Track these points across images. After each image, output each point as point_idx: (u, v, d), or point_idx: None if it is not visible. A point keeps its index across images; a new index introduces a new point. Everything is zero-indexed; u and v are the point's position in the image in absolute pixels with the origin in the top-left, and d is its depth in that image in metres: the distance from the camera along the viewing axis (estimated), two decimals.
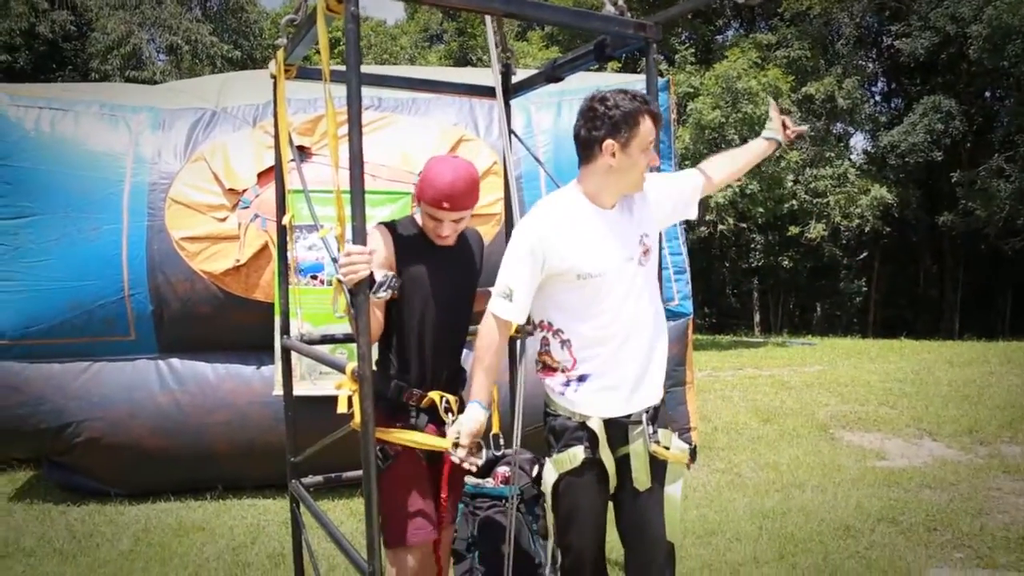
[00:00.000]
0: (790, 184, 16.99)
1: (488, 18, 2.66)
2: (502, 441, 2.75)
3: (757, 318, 26.21)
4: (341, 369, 2.07)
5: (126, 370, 4.74)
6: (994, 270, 24.37)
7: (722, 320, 26.65)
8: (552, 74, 2.86)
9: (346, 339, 2.81)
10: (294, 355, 3.91)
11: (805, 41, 19.59)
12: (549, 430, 2.17)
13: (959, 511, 4.24)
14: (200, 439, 4.69)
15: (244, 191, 4.65)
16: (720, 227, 16.43)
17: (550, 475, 2.12)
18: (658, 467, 2.11)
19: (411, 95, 5.01)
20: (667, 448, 2.10)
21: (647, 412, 2.10)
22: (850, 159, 21.93)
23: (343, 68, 1.86)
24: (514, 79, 3.09)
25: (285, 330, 3.05)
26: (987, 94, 22.90)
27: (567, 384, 2.09)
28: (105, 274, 4.66)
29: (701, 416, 6.27)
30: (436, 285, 2.29)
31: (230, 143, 4.80)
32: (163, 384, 4.73)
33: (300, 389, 3.78)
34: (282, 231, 2.88)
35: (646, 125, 2.01)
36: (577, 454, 2.08)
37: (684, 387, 5.18)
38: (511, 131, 2.94)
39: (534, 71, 3.20)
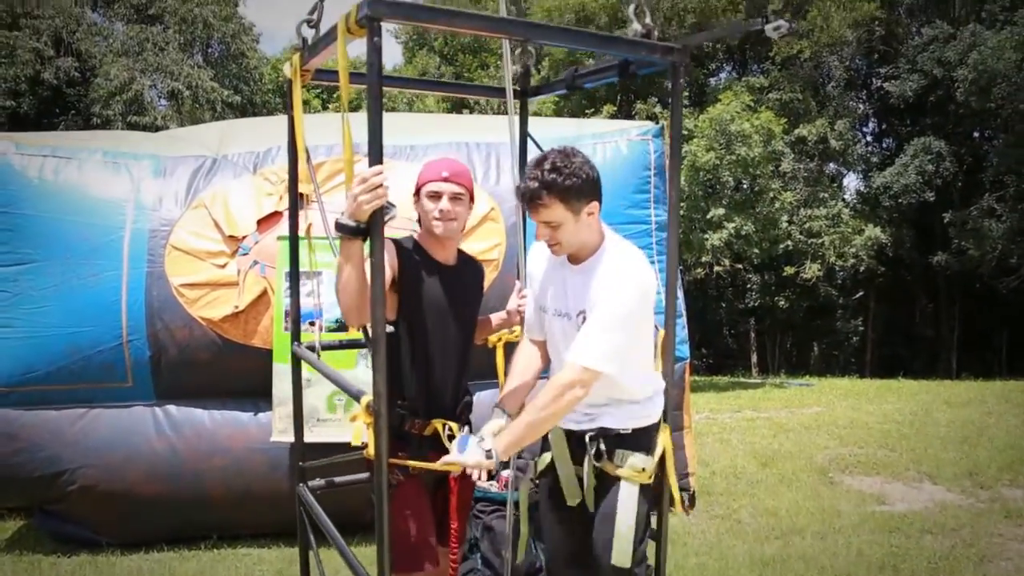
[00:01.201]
0: (785, 225, 17.15)
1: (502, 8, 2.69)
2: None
3: (754, 358, 26.18)
4: (354, 396, 2.07)
5: (122, 416, 4.72)
6: (989, 309, 24.45)
7: (719, 361, 26.59)
8: (573, 83, 2.89)
9: (356, 344, 2.79)
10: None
11: (796, 84, 19.97)
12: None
13: (961, 558, 4.21)
14: (196, 485, 4.64)
15: (244, 237, 4.69)
16: (716, 268, 16.52)
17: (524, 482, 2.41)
18: (610, 486, 2.20)
19: (409, 142, 5.09)
20: (619, 467, 2.19)
21: (597, 431, 2.22)
22: (844, 199, 22.17)
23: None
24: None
25: (296, 336, 3.00)
26: (976, 134, 23.28)
27: None
28: (104, 320, 4.67)
29: (699, 460, 6.24)
30: (439, 303, 2.31)
31: (231, 190, 4.86)
32: (159, 430, 4.70)
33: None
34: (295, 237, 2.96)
35: None
36: (545, 458, 2.34)
37: (682, 431, 5.16)
38: (527, 134, 3.07)
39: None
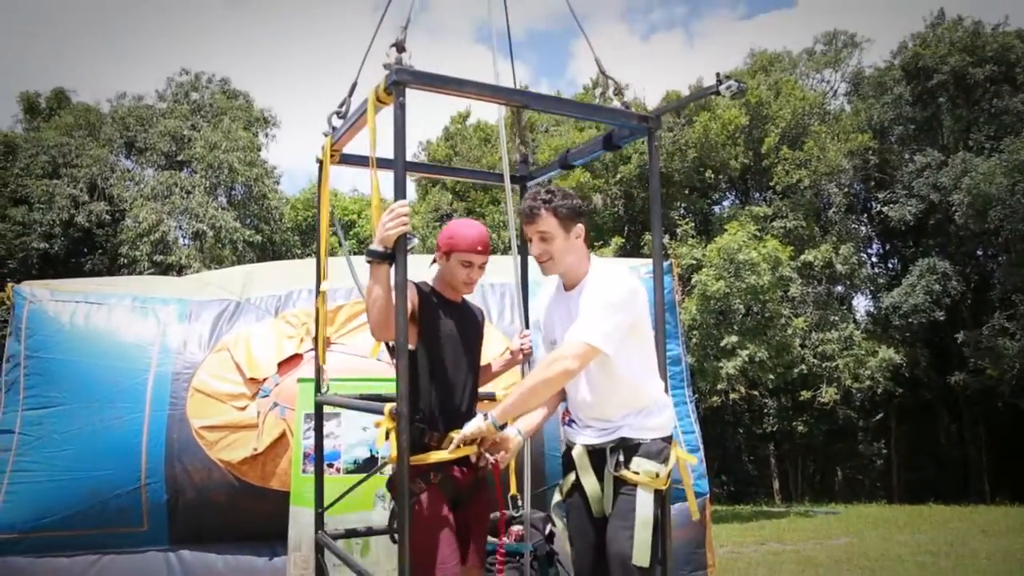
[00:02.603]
0: (798, 349, 17.17)
1: (500, 110, 3.04)
2: (520, 502, 2.98)
3: (776, 485, 25.37)
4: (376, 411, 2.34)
5: (136, 562, 4.66)
6: (1017, 429, 23.83)
7: (740, 488, 25.77)
8: (566, 162, 3.29)
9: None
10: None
11: (799, 211, 20.58)
12: (561, 460, 2.69)
13: None
14: None
15: (264, 380, 4.81)
16: (732, 395, 16.41)
17: (556, 498, 2.64)
18: (627, 492, 2.43)
19: (424, 280, 5.30)
20: (636, 473, 2.43)
21: (617, 442, 2.48)
22: (854, 321, 22.25)
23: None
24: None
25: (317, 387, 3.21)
26: (979, 253, 23.60)
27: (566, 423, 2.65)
28: (123, 463, 4.71)
29: None
30: (452, 332, 2.62)
31: (252, 333, 5.03)
32: None
33: None
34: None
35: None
36: (569, 478, 2.60)
37: (706, 571, 5.01)
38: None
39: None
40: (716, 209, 22.94)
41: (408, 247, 2.34)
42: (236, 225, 20.06)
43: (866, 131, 21.92)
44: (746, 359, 14.62)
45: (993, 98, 21.03)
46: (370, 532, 3.18)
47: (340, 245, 3.02)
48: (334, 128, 3.00)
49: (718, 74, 3.21)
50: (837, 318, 20.07)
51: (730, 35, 51.07)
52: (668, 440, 2.54)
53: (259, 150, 22.89)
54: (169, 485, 4.70)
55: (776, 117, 20.87)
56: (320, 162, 3.10)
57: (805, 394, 19.87)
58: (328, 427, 4.56)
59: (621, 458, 2.46)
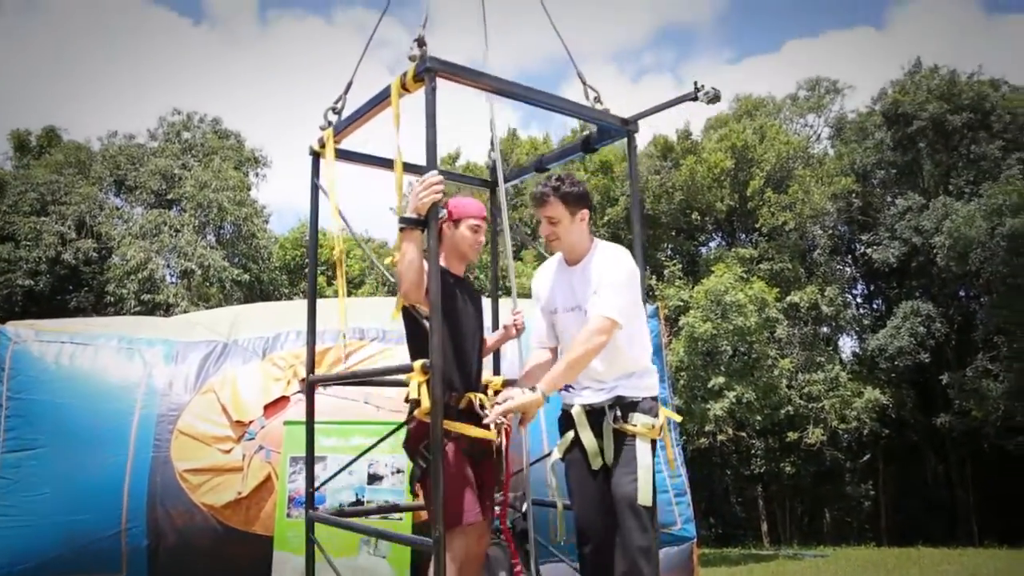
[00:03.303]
0: (784, 390, 17.20)
1: (492, 110, 3.32)
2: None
3: (765, 527, 25.16)
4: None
5: None
6: (1004, 470, 23.83)
7: (728, 531, 25.52)
8: (541, 165, 3.60)
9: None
10: None
11: (784, 253, 20.81)
12: (558, 422, 2.96)
13: None
14: None
15: (250, 422, 4.79)
16: (719, 437, 16.39)
17: (555, 456, 2.91)
18: (625, 444, 2.72)
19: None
20: (635, 426, 2.73)
21: (614, 400, 2.78)
22: (840, 361, 22.36)
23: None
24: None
25: (311, 369, 3.41)
26: (961, 294, 23.86)
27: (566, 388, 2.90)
28: (103, 507, 4.66)
29: None
30: (461, 301, 2.90)
31: (239, 375, 5.03)
32: None
33: None
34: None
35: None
36: (568, 437, 2.86)
37: None
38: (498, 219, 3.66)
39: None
40: (703, 250, 23.16)
41: (440, 215, 2.69)
42: (224, 264, 20.00)
43: (849, 175, 22.31)
44: (733, 400, 14.63)
45: (971, 144, 21.49)
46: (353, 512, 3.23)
47: (346, 227, 3.10)
48: (330, 123, 3.21)
49: (696, 82, 3.43)
50: (823, 359, 20.16)
51: (717, 77, 52.20)
52: (655, 399, 2.88)
53: (249, 189, 22.95)
54: (150, 529, 4.64)
55: (761, 160, 21.23)
56: (315, 154, 3.28)
57: (792, 435, 19.83)
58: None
59: (619, 413, 2.76)
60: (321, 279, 23.87)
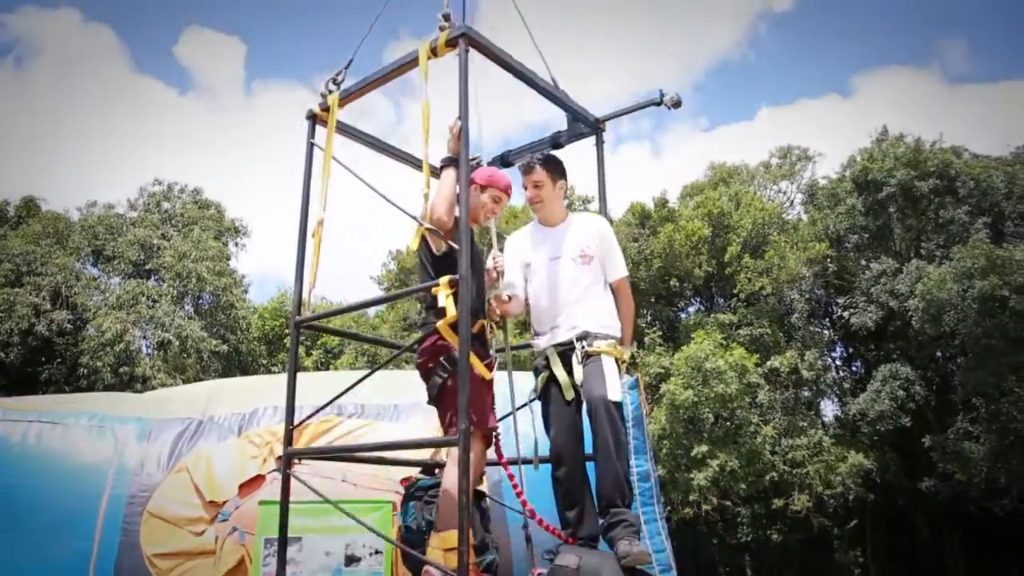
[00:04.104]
0: (768, 456, 17.10)
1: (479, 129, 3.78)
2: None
3: None
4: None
5: None
6: (992, 533, 23.60)
7: None
8: (506, 159, 3.93)
9: None
10: None
11: (763, 319, 21.00)
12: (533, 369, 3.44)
13: None
14: None
15: (224, 503, 4.65)
16: (704, 506, 16.15)
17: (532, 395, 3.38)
18: (594, 360, 3.17)
19: (393, 401, 5.27)
20: (599, 347, 3.19)
21: (582, 333, 3.26)
22: (823, 425, 22.32)
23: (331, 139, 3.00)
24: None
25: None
26: (939, 355, 24.06)
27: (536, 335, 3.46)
28: None
29: None
30: (478, 261, 3.37)
31: (214, 453, 4.91)
32: None
33: None
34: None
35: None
36: (542, 376, 3.31)
37: None
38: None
39: None
40: (682, 316, 23.33)
41: (473, 159, 3.34)
42: (203, 335, 19.80)
43: (823, 240, 22.76)
44: (717, 469, 14.50)
45: (939, 209, 22.10)
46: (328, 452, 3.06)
47: (354, 174, 3.47)
48: (330, 91, 3.48)
49: (660, 91, 3.90)
50: (805, 423, 20.13)
51: (693, 146, 53.60)
52: (621, 341, 3.35)
53: (228, 259, 22.93)
54: None
55: (737, 227, 21.64)
56: (313, 117, 3.54)
57: (778, 502, 19.61)
58: (289, 552, 4.39)
59: (586, 341, 3.22)
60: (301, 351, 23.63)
